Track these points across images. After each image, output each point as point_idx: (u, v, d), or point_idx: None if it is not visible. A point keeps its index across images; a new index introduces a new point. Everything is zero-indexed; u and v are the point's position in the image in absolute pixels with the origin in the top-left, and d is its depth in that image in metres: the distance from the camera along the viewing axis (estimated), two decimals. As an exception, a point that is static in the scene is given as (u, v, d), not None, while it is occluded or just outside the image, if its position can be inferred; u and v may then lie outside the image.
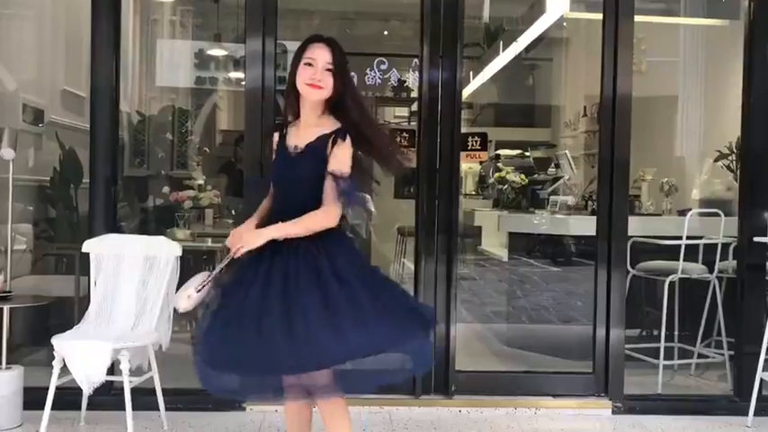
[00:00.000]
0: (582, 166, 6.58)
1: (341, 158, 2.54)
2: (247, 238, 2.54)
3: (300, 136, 2.62)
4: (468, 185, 7.52)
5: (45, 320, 4.58)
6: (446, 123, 3.99)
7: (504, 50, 7.68)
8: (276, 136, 2.72)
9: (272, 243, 2.52)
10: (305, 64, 2.57)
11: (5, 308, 3.51)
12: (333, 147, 2.54)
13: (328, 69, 2.56)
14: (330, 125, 2.59)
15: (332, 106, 2.61)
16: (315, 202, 2.55)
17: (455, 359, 3.98)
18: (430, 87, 3.99)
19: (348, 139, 2.55)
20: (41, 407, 3.26)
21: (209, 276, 2.57)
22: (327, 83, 2.56)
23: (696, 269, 4.47)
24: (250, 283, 2.49)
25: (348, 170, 2.55)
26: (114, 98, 3.90)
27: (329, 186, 2.54)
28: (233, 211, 5.54)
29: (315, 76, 2.55)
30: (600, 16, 4.12)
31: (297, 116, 2.67)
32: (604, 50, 4.02)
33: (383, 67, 7.19)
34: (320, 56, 2.57)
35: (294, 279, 2.45)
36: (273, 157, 2.73)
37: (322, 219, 2.54)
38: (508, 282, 5.95)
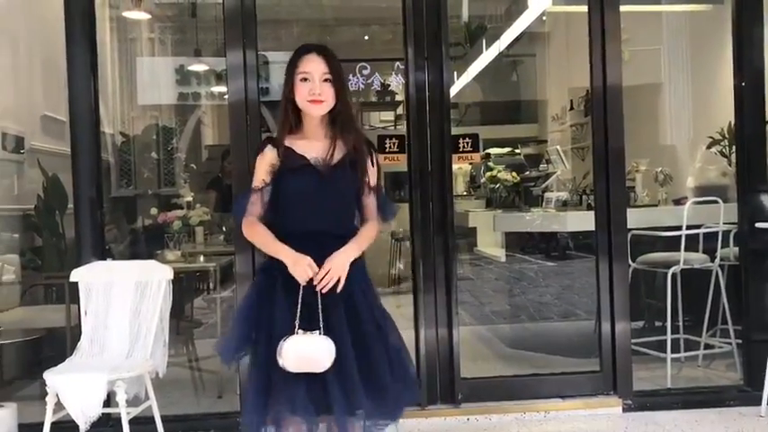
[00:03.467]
0: (572, 160, 6.52)
1: (378, 171, 2.56)
2: (339, 264, 2.36)
3: (317, 148, 2.48)
4: (459, 186, 7.46)
5: (37, 353, 4.47)
6: (435, 125, 3.90)
7: (486, 48, 7.63)
8: (273, 151, 2.49)
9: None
10: (301, 79, 2.45)
11: (-5, 344, 3.40)
12: (370, 158, 2.52)
13: (326, 80, 2.45)
14: (347, 135, 2.50)
15: (333, 115, 2.50)
16: (350, 216, 2.54)
17: (460, 366, 3.88)
18: (417, 90, 3.89)
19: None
20: (37, 444, 3.14)
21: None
22: (328, 95, 2.45)
23: (698, 259, 4.39)
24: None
25: (382, 183, 2.58)
26: (95, 120, 3.78)
27: (372, 200, 2.53)
28: (224, 227, 5.44)
29: (314, 91, 2.43)
30: (579, 8, 4.04)
31: (292, 130, 2.52)
32: (592, 41, 3.93)
33: (365, 72, 7.14)
34: (315, 68, 2.45)
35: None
36: (270, 175, 2.48)
37: (374, 233, 2.53)
38: (507, 281, 5.89)
